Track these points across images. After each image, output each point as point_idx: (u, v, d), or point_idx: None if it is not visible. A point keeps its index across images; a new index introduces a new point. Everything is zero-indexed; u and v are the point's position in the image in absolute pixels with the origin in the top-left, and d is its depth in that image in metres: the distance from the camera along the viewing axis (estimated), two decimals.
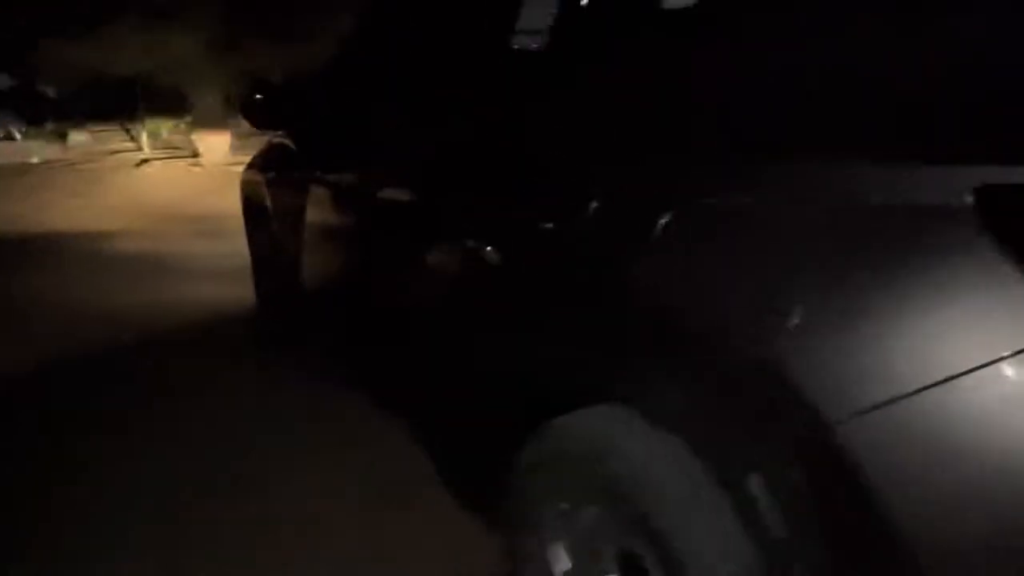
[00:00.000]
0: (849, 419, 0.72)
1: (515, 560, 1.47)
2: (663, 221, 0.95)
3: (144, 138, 14.28)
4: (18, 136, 15.83)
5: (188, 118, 15.49)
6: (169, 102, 14.58)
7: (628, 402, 1.07)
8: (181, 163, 12.37)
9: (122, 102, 14.48)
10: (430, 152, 1.86)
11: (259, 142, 4.00)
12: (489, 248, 1.29)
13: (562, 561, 1.34)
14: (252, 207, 3.38)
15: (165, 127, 16.35)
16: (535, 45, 1.41)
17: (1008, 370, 0.63)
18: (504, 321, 1.34)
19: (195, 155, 12.48)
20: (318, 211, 2.46)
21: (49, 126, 15.93)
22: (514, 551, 1.46)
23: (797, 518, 0.80)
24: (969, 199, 0.67)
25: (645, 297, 0.97)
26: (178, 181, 10.68)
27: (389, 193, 2.03)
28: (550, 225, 1.20)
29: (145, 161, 12.63)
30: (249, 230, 3.55)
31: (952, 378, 0.65)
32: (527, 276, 1.25)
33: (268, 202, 3.03)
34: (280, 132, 2.73)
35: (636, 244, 0.99)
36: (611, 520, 1.13)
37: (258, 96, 2.62)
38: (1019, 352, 0.63)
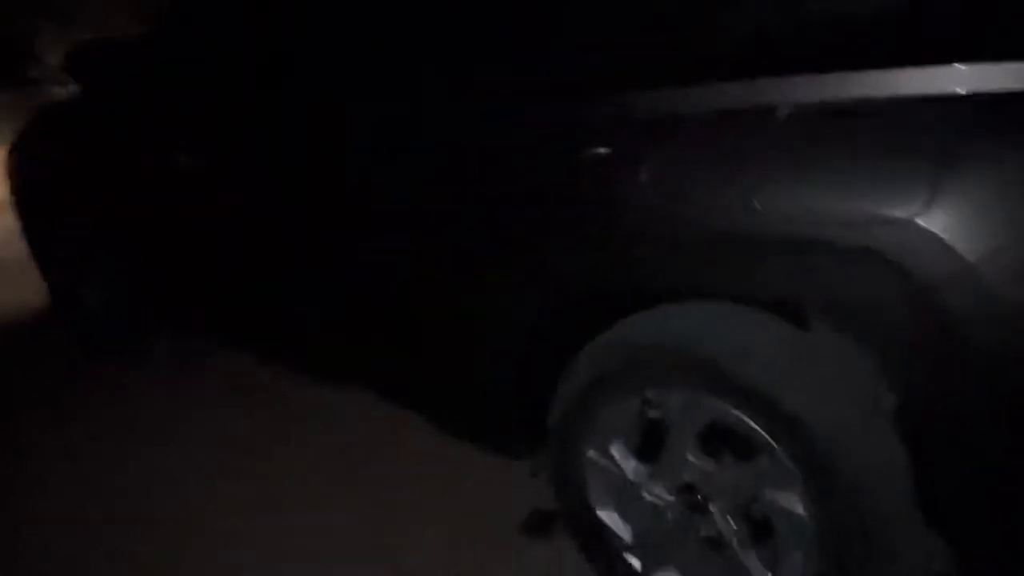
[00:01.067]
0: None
1: (562, 473, 1.57)
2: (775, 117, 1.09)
3: None
4: None
5: None
6: None
7: (730, 294, 1.24)
8: None
9: None
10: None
11: None
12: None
13: (629, 458, 1.47)
14: (39, 192, 2.84)
15: None
16: None
17: None
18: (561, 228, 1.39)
19: None
20: (170, 188, 2.19)
21: None
22: (562, 465, 1.56)
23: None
24: None
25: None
26: None
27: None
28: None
29: None
30: (37, 220, 2.98)
31: None
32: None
33: (72, 185, 2.58)
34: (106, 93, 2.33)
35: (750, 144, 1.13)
36: (708, 399, 1.29)
37: (91, 54, 2.21)
38: None
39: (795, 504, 1.25)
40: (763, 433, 1.24)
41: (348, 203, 1.77)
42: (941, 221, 1.00)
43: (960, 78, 1.00)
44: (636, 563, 1.51)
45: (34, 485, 2.24)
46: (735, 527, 1.36)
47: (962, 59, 1.00)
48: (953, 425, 1.11)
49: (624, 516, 1.51)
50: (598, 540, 1.55)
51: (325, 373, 2.17)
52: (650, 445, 1.46)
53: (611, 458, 1.47)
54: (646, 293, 1.36)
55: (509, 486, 1.93)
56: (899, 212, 1.02)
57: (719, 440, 1.38)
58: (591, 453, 1.49)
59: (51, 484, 2.24)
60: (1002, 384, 1.04)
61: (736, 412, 1.26)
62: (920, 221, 1.01)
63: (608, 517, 1.52)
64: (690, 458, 1.37)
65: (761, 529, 1.36)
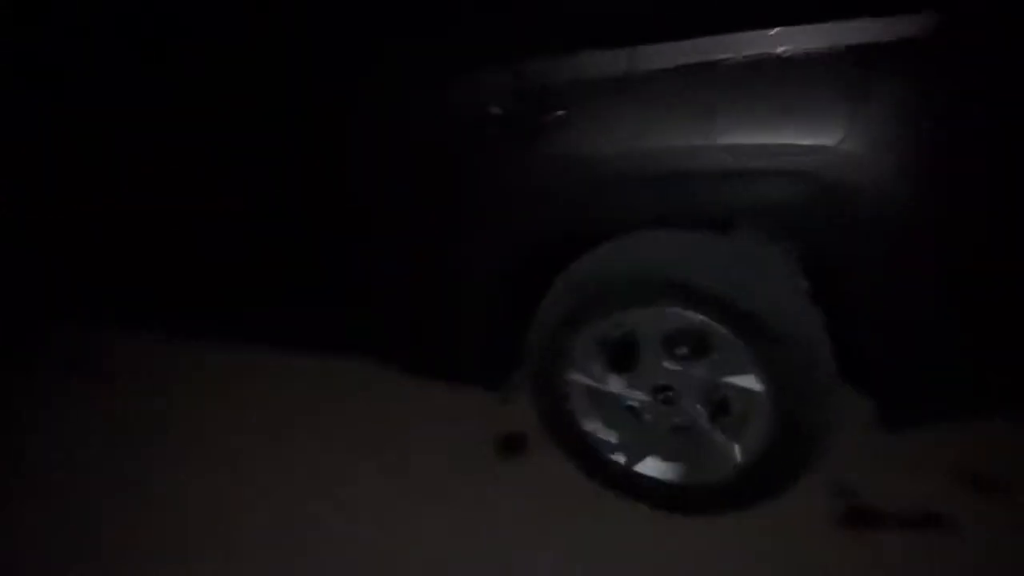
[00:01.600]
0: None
1: (547, 396, 1.77)
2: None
3: None
4: None
5: None
6: None
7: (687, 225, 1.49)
8: None
9: None
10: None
11: None
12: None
13: (607, 372, 1.70)
14: None
15: None
16: None
17: None
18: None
19: None
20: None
21: None
22: (545, 390, 1.76)
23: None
24: None
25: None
26: None
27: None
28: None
29: None
30: None
31: None
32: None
33: None
34: None
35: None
36: (674, 309, 1.52)
37: None
38: None
39: (753, 383, 1.53)
40: (722, 328, 1.49)
41: (321, 176, 1.81)
42: (859, 145, 1.27)
43: (867, 30, 1.26)
44: (622, 459, 1.76)
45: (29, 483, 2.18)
46: (703, 412, 1.64)
47: (868, 14, 1.25)
48: (857, 297, 1.43)
49: (607, 423, 1.75)
50: (586, 447, 1.78)
51: (294, 341, 2.20)
52: (618, 360, 1.70)
53: (592, 376, 1.69)
54: (609, 228, 1.56)
55: (479, 417, 2.13)
56: (826, 140, 1.29)
57: (678, 344, 1.64)
58: (573, 375, 1.70)
59: (50, 483, 2.18)
60: (896, 262, 1.36)
61: (699, 316, 1.51)
62: (843, 146, 1.28)
63: (593, 426, 1.76)
64: (663, 363, 1.62)
65: (719, 410, 1.66)
